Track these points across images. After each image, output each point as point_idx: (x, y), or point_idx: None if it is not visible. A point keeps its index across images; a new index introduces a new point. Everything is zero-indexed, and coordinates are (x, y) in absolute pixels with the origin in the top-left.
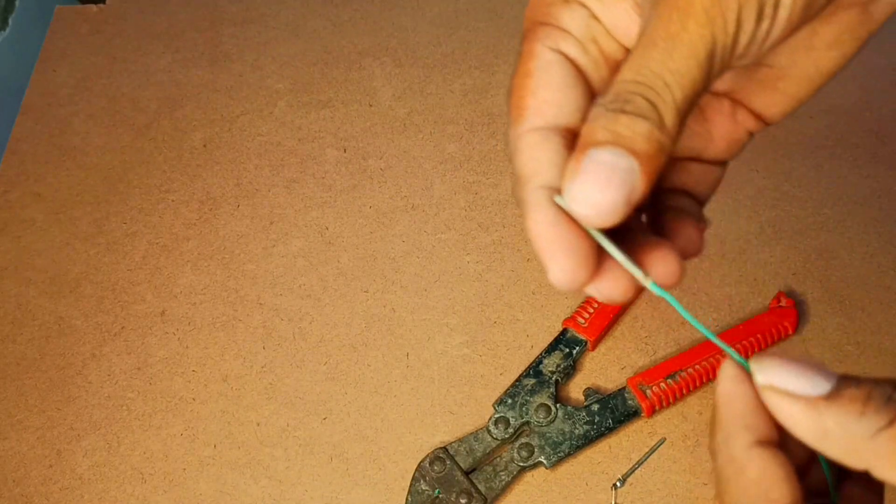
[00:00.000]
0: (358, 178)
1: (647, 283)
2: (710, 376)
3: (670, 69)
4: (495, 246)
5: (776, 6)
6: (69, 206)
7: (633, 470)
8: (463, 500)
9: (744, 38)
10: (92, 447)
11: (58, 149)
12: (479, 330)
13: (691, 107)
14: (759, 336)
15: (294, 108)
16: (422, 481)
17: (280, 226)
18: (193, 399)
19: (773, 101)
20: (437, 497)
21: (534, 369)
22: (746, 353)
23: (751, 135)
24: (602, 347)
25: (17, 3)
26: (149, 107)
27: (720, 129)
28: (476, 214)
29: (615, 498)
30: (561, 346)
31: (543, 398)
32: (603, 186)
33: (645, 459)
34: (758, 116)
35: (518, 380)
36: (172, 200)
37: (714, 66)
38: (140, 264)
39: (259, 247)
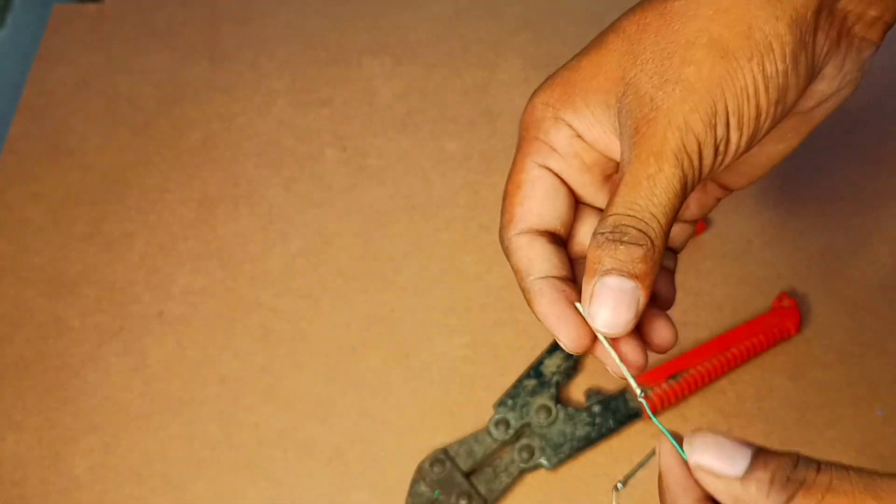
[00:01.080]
0: (357, 178)
1: (640, 397)
2: (711, 377)
3: (654, 203)
4: (495, 246)
5: (727, 144)
6: (67, 205)
7: (634, 471)
8: (463, 502)
9: (706, 169)
10: (90, 448)
11: (55, 148)
12: (479, 330)
13: (672, 224)
14: (761, 337)
15: (293, 106)
16: (421, 483)
17: (279, 225)
18: (192, 400)
19: (735, 178)
20: (437, 499)
21: (535, 370)
22: (750, 355)
23: (718, 200)
24: None
25: (14, 1)
26: (147, 106)
27: (693, 199)
28: (476, 214)
29: (616, 499)
30: (561, 347)
31: (544, 399)
32: (614, 308)
33: (647, 461)
34: (724, 187)
35: (519, 381)
36: (170, 200)
37: (687, 191)
38: (138, 264)
39: (258, 247)
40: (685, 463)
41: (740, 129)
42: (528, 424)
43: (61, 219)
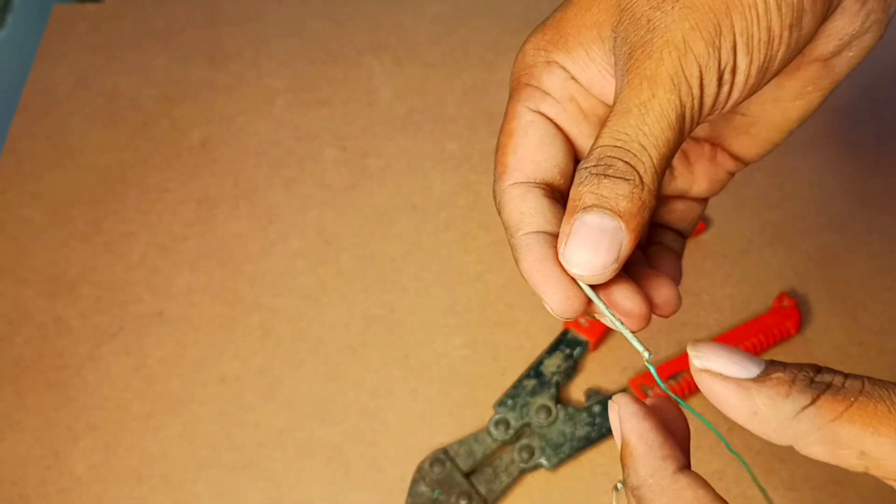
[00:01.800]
0: (357, 178)
1: (646, 360)
2: None
3: (645, 133)
4: (495, 246)
5: (734, 71)
6: (67, 205)
7: None
8: (463, 502)
9: (708, 100)
10: (90, 448)
11: (55, 148)
12: (479, 330)
13: (667, 163)
14: (761, 336)
15: (293, 106)
16: (421, 483)
17: (279, 225)
18: (191, 400)
19: (748, 144)
20: (437, 499)
21: (534, 370)
22: None
23: (731, 174)
24: (603, 348)
25: (15, 1)
26: (147, 106)
27: (702, 170)
28: (476, 214)
29: (616, 499)
30: (562, 347)
31: (544, 399)
32: (593, 248)
33: None
34: (736, 158)
35: (519, 381)
36: (170, 200)
37: (685, 125)
38: (138, 264)
39: (257, 247)
40: (656, 426)
41: (749, 53)
42: (528, 424)
43: (61, 218)
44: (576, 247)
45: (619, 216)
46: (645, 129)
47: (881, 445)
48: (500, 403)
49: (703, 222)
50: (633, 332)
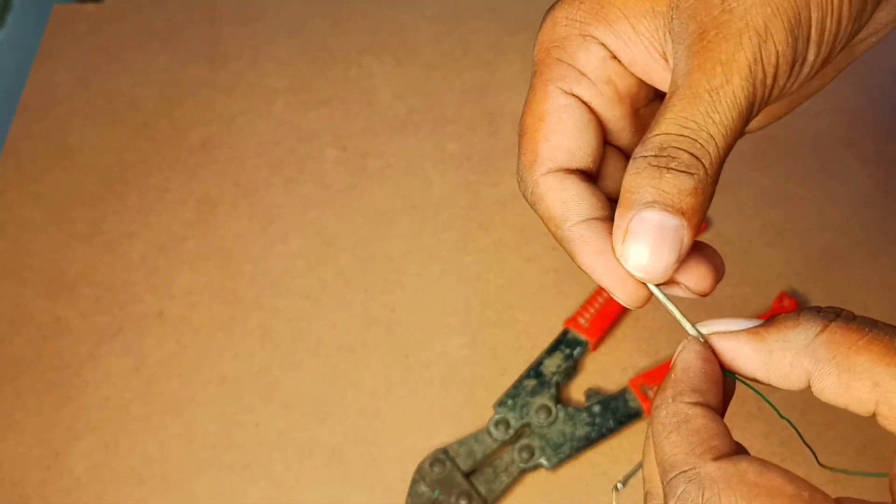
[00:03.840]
0: (357, 178)
1: (694, 332)
2: None
3: (715, 122)
4: (495, 246)
5: (802, 63)
6: (67, 205)
7: (634, 471)
8: (463, 502)
9: (777, 91)
10: (89, 448)
11: (55, 148)
12: (479, 331)
13: (730, 152)
14: None
15: (293, 106)
16: (421, 483)
17: (279, 225)
18: (191, 400)
19: (756, 118)
20: (437, 499)
21: (534, 370)
22: None
23: None
24: (603, 348)
25: (15, 1)
26: (147, 106)
27: None
28: (476, 214)
29: (616, 499)
30: (562, 347)
31: (544, 399)
32: (655, 249)
33: None
34: None
35: (519, 381)
36: (170, 200)
37: (753, 115)
38: (138, 264)
39: (257, 247)
40: (706, 368)
41: (819, 45)
42: (528, 424)
43: (61, 219)
44: (635, 246)
45: (682, 214)
46: (716, 116)
47: (895, 378)
48: (500, 403)
49: (703, 223)
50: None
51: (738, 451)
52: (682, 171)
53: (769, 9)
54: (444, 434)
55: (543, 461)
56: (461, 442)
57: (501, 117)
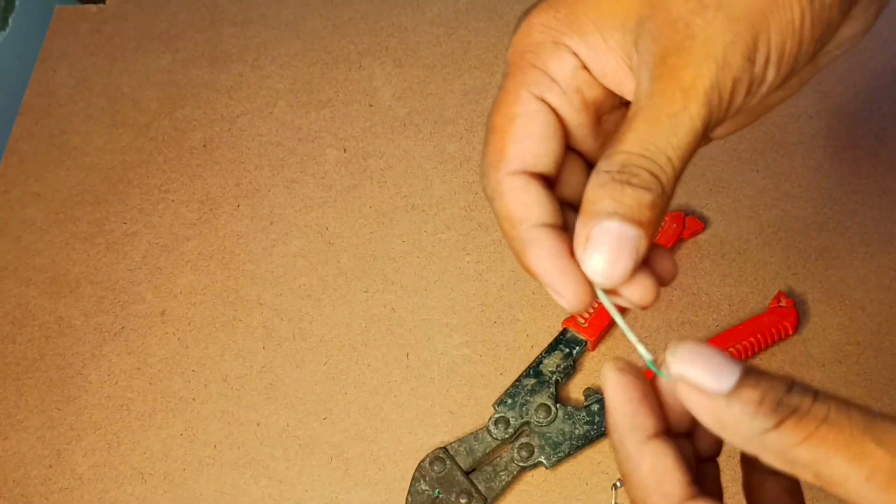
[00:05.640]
0: (358, 178)
1: (649, 362)
2: None
3: (673, 145)
4: (495, 246)
5: (760, 83)
6: (69, 206)
7: None
8: (463, 501)
9: (733, 110)
10: (92, 447)
11: (58, 149)
12: (479, 330)
13: (686, 166)
14: (759, 336)
15: (294, 107)
16: (422, 481)
17: (280, 226)
18: (193, 399)
19: (721, 127)
20: (437, 497)
21: (534, 369)
22: (747, 354)
23: None
24: (602, 347)
25: (16, 3)
26: (149, 107)
27: None
28: (476, 214)
29: (615, 498)
30: (561, 346)
31: (543, 398)
32: (614, 257)
33: None
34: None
35: (518, 380)
36: (172, 200)
37: (707, 133)
38: (140, 264)
39: (259, 247)
40: (633, 397)
41: (778, 66)
42: (527, 423)
43: (63, 219)
44: (596, 252)
45: (641, 225)
46: (674, 140)
47: (834, 470)
48: (500, 402)
49: (700, 222)
50: (635, 335)
51: (695, 495)
52: (642, 188)
53: (729, 35)
54: (444, 432)
55: (543, 460)
56: (461, 440)
57: None
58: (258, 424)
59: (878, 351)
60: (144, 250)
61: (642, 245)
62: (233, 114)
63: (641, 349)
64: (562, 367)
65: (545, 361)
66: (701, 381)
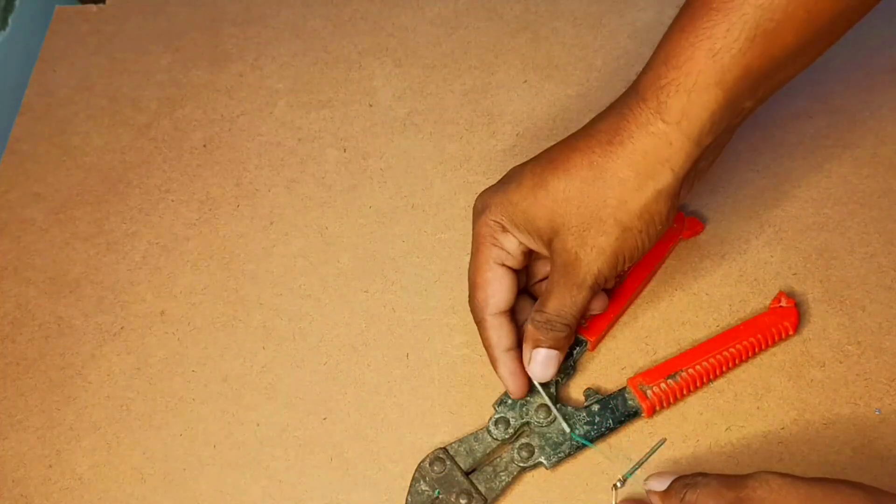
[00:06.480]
0: (358, 178)
1: (571, 434)
2: (709, 377)
3: (574, 311)
4: None
5: (621, 272)
6: (69, 206)
7: (633, 470)
8: (463, 501)
9: (607, 285)
10: (92, 447)
11: (58, 149)
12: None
13: (583, 314)
14: (759, 336)
15: (294, 107)
16: (422, 482)
17: (280, 226)
18: (193, 399)
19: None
20: (437, 497)
21: None
22: (748, 354)
23: None
24: (602, 348)
25: (16, 2)
26: (149, 107)
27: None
28: None
29: (615, 498)
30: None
31: (543, 398)
32: (545, 367)
33: (645, 459)
34: None
35: None
36: (172, 200)
37: (598, 290)
38: (140, 264)
39: (259, 247)
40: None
41: (630, 262)
42: (527, 423)
43: (63, 219)
44: (535, 365)
45: (559, 349)
46: (574, 308)
47: None
48: (500, 402)
49: (701, 223)
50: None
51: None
52: (557, 331)
53: (601, 260)
54: (445, 433)
55: (543, 460)
56: (461, 441)
57: (501, 118)
58: (258, 424)
59: (878, 351)
60: (144, 250)
61: (559, 357)
62: (233, 114)
63: (563, 424)
64: (562, 367)
65: None
66: (656, 487)
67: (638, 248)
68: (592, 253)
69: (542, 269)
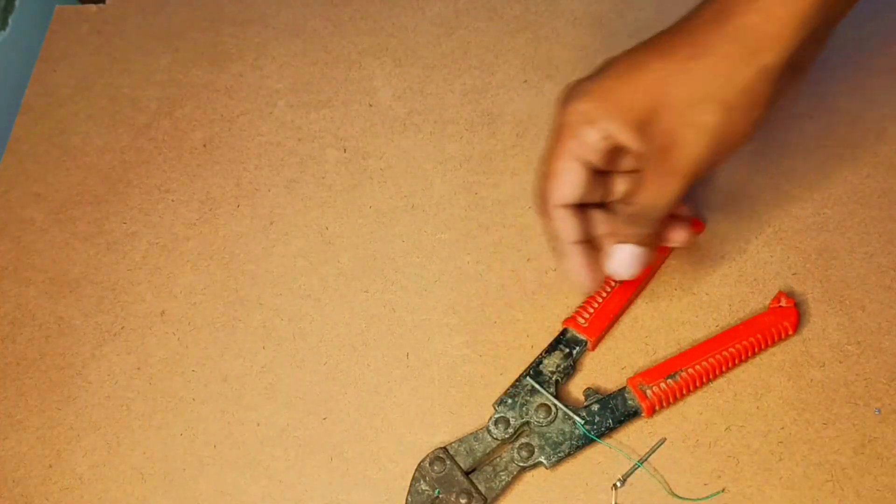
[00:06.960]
0: (358, 178)
1: (579, 426)
2: (709, 377)
3: (666, 204)
4: (495, 246)
5: (718, 165)
6: (69, 206)
7: (633, 470)
8: (463, 500)
9: (700, 180)
10: (92, 447)
11: (58, 149)
12: (479, 330)
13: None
14: (759, 336)
15: (294, 107)
16: (422, 481)
17: (280, 226)
18: (193, 399)
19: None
20: (437, 497)
21: (534, 369)
22: (747, 354)
23: None
24: (602, 347)
25: (17, 2)
26: (149, 107)
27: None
28: (476, 214)
29: (615, 498)
30: (561, 346)
31: (543, 398)
32: (627, 265)
33: (645, 459)
34: None
35: (518, 380)
36: (172, 200)
37: (690, 188)
38: (140, 264)
39: (259, 247)
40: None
41: (728, 157)
42: (527, 423)
43: (63, 219)
44: (617, 263)
45: (644, 245)
46: (665, 200)
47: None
48: (500, 402)
49: (701, 222)
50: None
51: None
52: (647, 226)
53: (702, 144)
54: (444, 432)
55: (543, 460)
56: (461, 440)
57: (501, 118)
58: (258, 424)
59: (878, 351)
60: (144, 250)
61: (646, 254)
62: (233, 114)
63: (574, 417)
64: (562, 366)
65: (545, 361)
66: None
67: (738, 133)
68: (693, 134)
69: (620, 187)
